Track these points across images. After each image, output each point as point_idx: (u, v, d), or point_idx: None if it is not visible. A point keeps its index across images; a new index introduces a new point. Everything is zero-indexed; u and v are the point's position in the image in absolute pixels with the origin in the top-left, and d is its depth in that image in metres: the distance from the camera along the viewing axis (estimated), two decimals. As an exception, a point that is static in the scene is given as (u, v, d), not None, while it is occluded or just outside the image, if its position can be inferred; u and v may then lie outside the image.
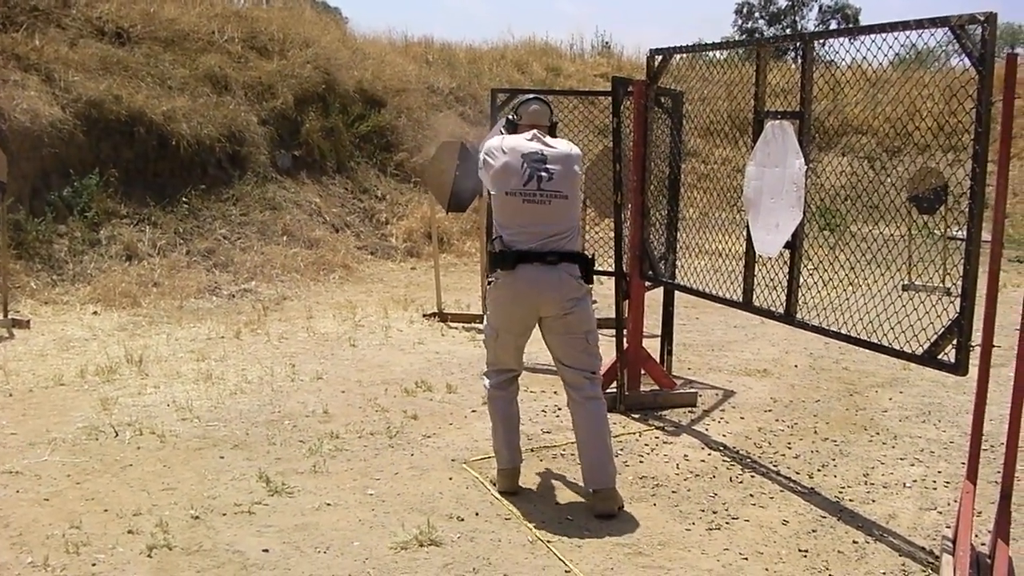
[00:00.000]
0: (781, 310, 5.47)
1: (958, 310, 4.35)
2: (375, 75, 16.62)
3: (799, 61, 5.35)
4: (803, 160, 5.14)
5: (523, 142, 5.04)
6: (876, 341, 4.91)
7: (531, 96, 5.47)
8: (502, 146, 5.04)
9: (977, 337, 4.23)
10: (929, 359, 4.55)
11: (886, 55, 4.79)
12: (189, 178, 12.48)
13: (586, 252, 5.31)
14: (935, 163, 10.82)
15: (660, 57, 6.68)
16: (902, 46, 4.73)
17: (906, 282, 10.43)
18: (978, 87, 4.18)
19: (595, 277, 5.61)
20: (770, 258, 5.56)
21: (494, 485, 5.24)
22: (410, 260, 13.80)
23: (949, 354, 4.46)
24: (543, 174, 4.91)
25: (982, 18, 4.10)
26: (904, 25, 4.57)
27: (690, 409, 6.84)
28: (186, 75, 13.56)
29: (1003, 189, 4.25)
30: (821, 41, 5.58)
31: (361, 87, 16.14)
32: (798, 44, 5.37)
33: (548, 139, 5.12)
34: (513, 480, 5.21)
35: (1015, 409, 4.24)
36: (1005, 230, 4.18)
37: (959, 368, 4.40)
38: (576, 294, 4.95)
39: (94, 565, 4.19)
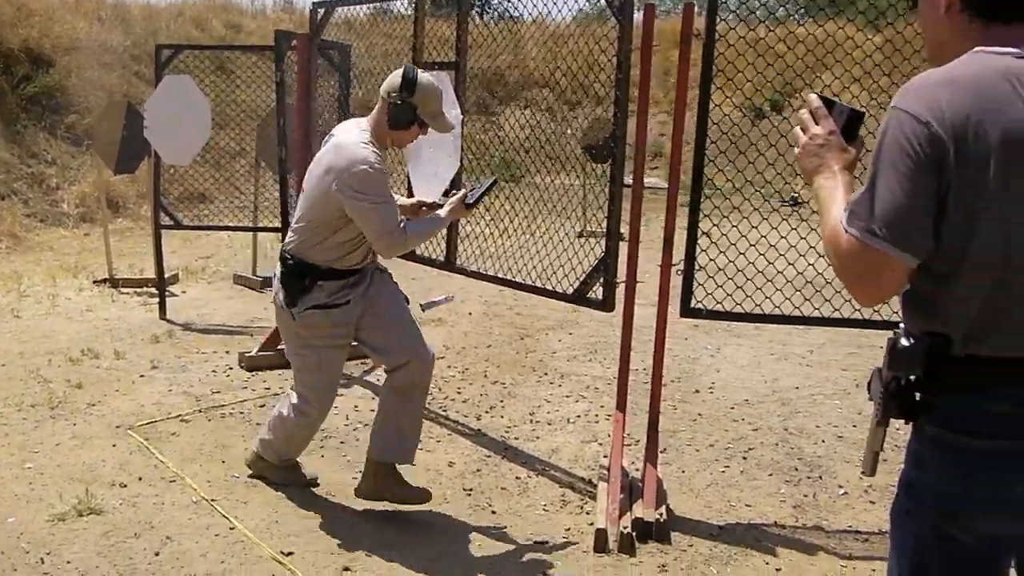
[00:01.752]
0: (442, 257, 5.57)
1: (603, 250, 4.59)
2: (42, 33, 15.54)
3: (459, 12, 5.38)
4: (459, 110, 5.22)
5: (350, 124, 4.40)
6: (531, 283, 5.10)
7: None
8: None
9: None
10: (579, 298, 4.77)
11: (569, 10, 4.93)
12: None
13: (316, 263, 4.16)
14: (608, 114, 11.32)
15: (322, 11, 6.61)
16: (587, 2, 4.88)
17: (580, 229, 10.85)
18: (618, 35, 4.39)
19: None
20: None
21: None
22: (83, 226, 13.06)
23: (598, 292, 4.69)
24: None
25: (620, -30, 4.30)
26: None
27: (362, 360, 6.82)
28: None
29: (643, 134, 4.50)
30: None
31: (27, 46, 15.05)
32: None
33: (359, 126, 4.27)
34: None
35: (658, 343, 4.52)
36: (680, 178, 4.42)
37: (606, 305, 4.66)
38: (280, 301, 4.24)
39: None
